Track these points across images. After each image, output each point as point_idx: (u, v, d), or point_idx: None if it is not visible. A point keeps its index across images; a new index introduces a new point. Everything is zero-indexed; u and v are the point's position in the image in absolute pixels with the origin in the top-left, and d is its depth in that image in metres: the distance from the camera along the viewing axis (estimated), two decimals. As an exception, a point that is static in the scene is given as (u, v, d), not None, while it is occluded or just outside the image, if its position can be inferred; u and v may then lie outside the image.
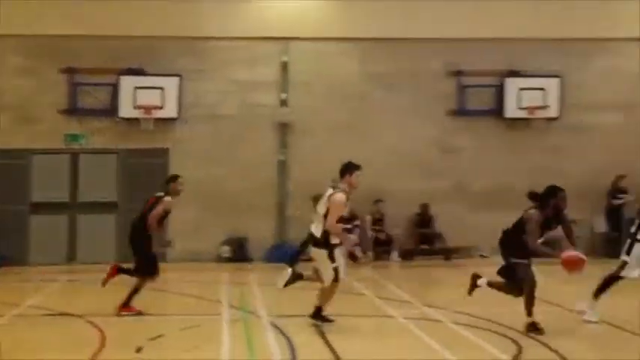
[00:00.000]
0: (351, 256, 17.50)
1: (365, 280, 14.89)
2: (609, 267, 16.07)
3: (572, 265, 9.76)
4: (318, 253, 9.94)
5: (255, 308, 11.65)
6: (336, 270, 9.88)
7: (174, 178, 11.60)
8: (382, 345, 9.33)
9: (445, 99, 18.85)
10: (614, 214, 18.94)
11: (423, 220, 18.49)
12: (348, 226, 17.64)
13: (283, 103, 19.61)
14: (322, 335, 9.43)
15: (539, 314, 9.78)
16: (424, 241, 18.60)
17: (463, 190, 18.50)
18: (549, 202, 9.85)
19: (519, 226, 9.98)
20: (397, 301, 12.42)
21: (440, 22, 18.63)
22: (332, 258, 9.90)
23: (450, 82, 19.00)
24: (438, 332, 9.74)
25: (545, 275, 11.14)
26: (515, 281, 9.89)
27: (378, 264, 17.42)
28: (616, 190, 18.88)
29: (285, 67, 19.97)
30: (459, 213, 18.55)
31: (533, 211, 9.97)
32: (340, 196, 9.66)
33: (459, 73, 18.84)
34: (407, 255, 18.25)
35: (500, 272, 10.27)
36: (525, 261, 9.84)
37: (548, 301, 11.57)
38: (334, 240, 9.83)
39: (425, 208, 18.50)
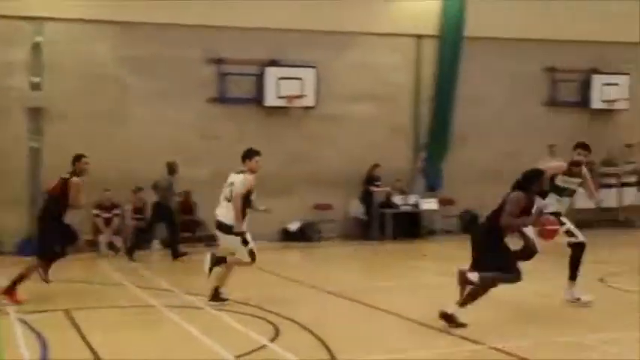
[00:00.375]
0: (111, 246, 17.68)
1: (123, 270, 14.79)
2: (364, 248, 17.84)
3: (549, 234, 9.94)
4: (230, 240, 10.53)
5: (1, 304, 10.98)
6: (251, 251, 10.57)
7: (79, 157, 11.56)
8: (140, 335, 9.40)
9: (205, 86, 18.96)
10: (367, 200, 19.92)
11: (185, 207, 18.35)
12: (108, 215, 17.53)
13: (35, 86, 18.39)
14: (78, 330, 9.23)
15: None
16: (186, 229, 18.29)
17: (223, 176, 18.82)
18: (533, 185, 9.77)
19: (500, 209, 9.71)
20: (157, 290, 12.44)
21: (201, 9, 18.57)
22: (245, 242, 10.51)
23: (210, 70, 19.08)
24: (199, 319, 9.93)
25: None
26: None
27: (138, 253, 16.98)
28: (371, 178, 19.86)
29: (38, 48, 18.59)
30: (219, 199, 18.51)
31: (517, 192, 9.71)
32: (249, 177, 10.48)
33: (219, 61, 18.97)
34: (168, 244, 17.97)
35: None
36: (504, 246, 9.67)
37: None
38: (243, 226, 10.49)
39: (187, 195, 18.40)
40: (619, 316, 9.92)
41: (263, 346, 8.42)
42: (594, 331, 9.18)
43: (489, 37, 20.83)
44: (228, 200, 10.79)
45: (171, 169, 16.86)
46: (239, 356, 7.99)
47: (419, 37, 20.95)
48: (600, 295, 10.96)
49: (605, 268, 13.70)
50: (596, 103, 23.12)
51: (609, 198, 21.25)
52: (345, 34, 20.05)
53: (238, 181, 10.65)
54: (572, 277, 10.62)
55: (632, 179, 22.64)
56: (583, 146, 10.79)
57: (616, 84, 23.05)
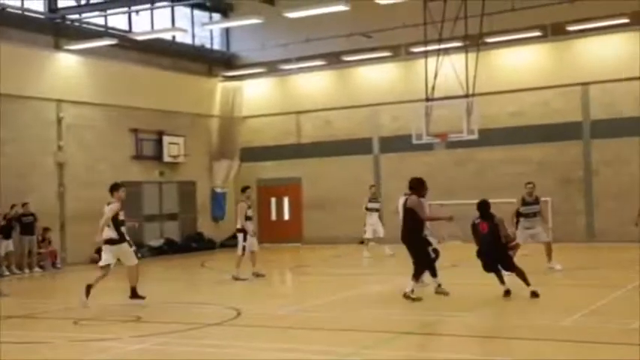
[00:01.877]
0: None
1: None
2: None
3: None
4: (121, 247, 14.67)
5: None
6: (135, 252, 14.93)
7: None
8: None
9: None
10: None
11: None
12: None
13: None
14: None
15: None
16: None
17: None
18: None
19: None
20: None
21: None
22: (130, 244, 14.86)
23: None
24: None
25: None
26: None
27: None
28: None
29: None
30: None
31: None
32: (115, 205, 14.69)
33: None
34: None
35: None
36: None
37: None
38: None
39: None
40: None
41: None
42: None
43: None
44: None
45: None
46: None
47: None
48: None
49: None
50: (166, 158, 28.64)
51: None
52: (11, 96, 22.42)
53: (107, 209, 14.59)
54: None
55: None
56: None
57: (177, 143, 28.62)
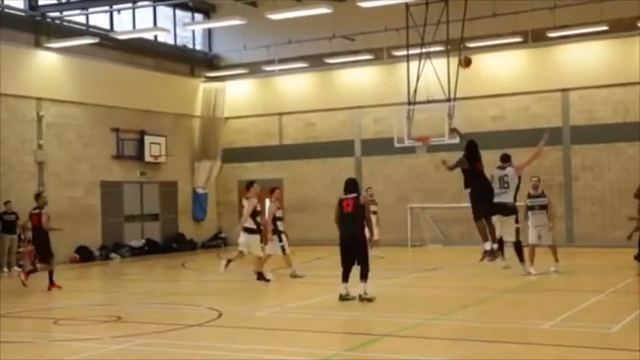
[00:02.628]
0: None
1: None
2: None
3: None
4: (254, 238, 16.99)
5: None
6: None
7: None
8: None
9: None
10: None
11: None
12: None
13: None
14: None
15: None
16: None
17: None
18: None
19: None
20: None
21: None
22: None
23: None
24: None
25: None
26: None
27: None
28: None
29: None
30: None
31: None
32: (253, 200, 17.02)
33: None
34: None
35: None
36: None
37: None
38: None
39: None
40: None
41: None
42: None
43: None
44: None
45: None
46: None
47: None
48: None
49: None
50: (147, 158, 28.52)
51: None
52: None
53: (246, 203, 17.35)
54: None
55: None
56: None
57: (159, 143, 28.53)
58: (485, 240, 14.01)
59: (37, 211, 17.58)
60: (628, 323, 10.47)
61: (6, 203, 21.88)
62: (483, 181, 14.63)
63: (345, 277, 13.59)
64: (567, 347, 9.40)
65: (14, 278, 20.93)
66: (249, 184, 17.98)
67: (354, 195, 13.70)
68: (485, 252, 13.87)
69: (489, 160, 25.82)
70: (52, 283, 17.19)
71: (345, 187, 13.90)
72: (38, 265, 18.53)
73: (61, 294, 16.90)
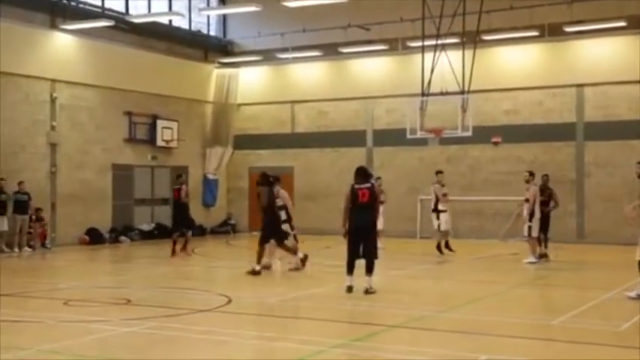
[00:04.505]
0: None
1: None
2: None
3: None
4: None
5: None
6: None
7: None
8: None
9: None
10: None
11: None
12: None
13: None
14: None
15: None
16: None
17: None
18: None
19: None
20: None
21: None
22: None
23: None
24: None
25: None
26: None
27: None
28: None
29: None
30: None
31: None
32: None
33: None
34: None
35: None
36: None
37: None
38: None
39: None
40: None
41: None
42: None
43: None
44: None
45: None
46: None
47: None
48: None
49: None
50: (159, 142, 28.50)
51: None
52: (3, 74, 22.25)
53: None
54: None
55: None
56: None
57: (171, 128, 28.57)
58: None
59: (178, 186, 21.17)
60: (638, 321, 10.39)
61: (19, 184, 22.10)
62: None
63: (350, 270, 13.41)
64: (576, 344, 9.38)
65: (24, 258, 21.30)
66: (276, 178, 18.13)
67: (368, 185, 13.51)
68: None
69: (495, 154, 26.18)
70: (183, 249, 20.57)
71: (357, 175, 13.57)
72: (175, 235, 20.84)
73: (70, 275, 17.04)
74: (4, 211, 21.98)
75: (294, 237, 17.68)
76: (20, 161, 23.40)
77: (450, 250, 19.99)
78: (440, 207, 20.27)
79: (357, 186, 13.39)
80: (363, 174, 13.59)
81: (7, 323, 11.04)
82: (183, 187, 20.89)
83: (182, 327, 10.59)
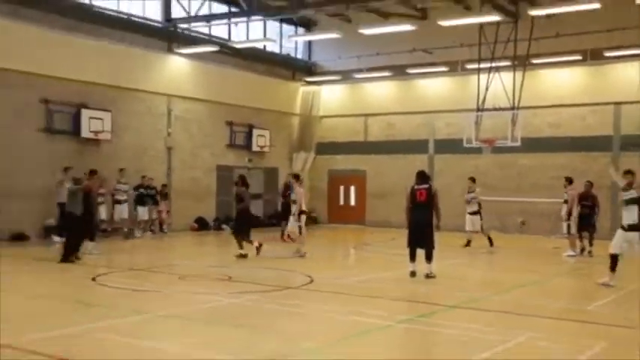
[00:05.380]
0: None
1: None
2: None
3: None
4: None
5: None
6: None
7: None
8: None
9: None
10: None
11: None
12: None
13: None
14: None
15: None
16: None
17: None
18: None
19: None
20: None
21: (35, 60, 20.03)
22: None
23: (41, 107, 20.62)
24: None
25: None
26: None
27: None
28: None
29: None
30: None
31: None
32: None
33: (46, 102, 20.78)
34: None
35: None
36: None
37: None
38: None
39: None
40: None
41: None
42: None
43: None
44: None
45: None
46: None
47: None
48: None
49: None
50: (254, 147, 28.46)
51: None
52: (131, 90, 22.74)
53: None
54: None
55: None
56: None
57: (264, 135, 28.77)
58: None
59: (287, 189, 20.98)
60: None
61: (143, 177, 22.72)
62: None
63: (412, 257, 13.42)
64: (606, 326, 9.35)
65: (147, 239, 21.92)
66: (296, 175, 18.53)
67: (426, 186, 13.32)
68: None
69: (541, 162, 25.81)
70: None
71: (417, 177, 13.51)
72: (283, 224, 20.71)
73: (183, 255, 17.45)
74: (144, 202, 22.61)
75: (299, 229, 17.46)
76: (144, 162, 23.91)
77: (468, 245, 19.60)
78: (467, 209, 19.79)
79: (416, 187, 13.33)
80: (422, 176, 13.49)
81: (132, 292, 11.79)
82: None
83: (276, 300, 10.82)
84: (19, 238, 20.01)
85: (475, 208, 19.68)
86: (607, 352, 7.90)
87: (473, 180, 20.36)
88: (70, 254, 15.25)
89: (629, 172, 12.94)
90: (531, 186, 25.60)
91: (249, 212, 17.73)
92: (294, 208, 17.52)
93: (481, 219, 19.70)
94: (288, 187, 21.54)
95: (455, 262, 16.83)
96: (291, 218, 17.78)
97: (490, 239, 19.64)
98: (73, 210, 15.83)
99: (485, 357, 7.50)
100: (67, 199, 16.45)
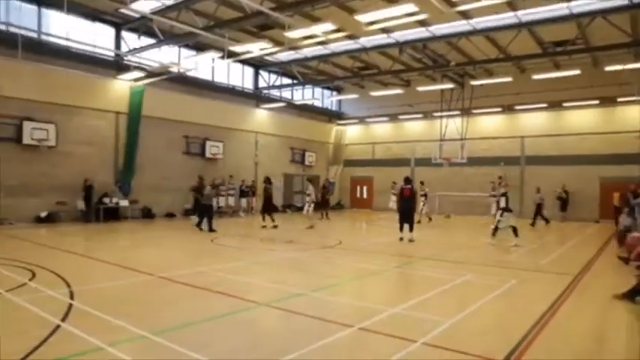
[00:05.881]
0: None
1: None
2: (86, 226, 15.09)
3: None
4: None
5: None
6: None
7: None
8: None
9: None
10: (87, 199, 17.30)
11: None
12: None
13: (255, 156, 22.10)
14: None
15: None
16: None
17: None
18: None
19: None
20: None
21: None
22: None
23: None
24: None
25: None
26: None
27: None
28: (88, 187, 17.19)
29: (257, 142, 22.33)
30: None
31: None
32: None
33: None
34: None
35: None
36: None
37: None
38: None
39: None
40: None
41: (24, 284, 7.04)
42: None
43: (155, 117, 19.66)
44: None
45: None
46: (8, 290, 6.62)
47: (117, 113, 18.71)
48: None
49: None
50: (306, 162, 27.96)
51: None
52: (73, 106, 17.27)
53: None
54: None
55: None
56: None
57: (312, 155, 28.74)
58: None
59: (325, 186, 20.78)
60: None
61: (243, 181, 22.50)
62: None
63: (401, 229, 13.02)
64: (519, 270, 8.91)
65: (244, 218, 20.66)
66: (310, 179, 17.93)
67: (409, 186, 12.75)
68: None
69: (477, 172, 25.50)
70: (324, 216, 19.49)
71: (404, 181, 12.93)
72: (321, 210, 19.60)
73: (266, 230, 15.89)
74: (244, 195, 22.07)
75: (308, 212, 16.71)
76: (241, 173, 23.69)
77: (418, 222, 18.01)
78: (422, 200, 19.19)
79: (403, 186, 12.85)
80: (407, 180, 12.96)
81: (234, 248, 11.36)
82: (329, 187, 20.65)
83: (318, 254, 10.54)
84: (170, 215, 20.09)
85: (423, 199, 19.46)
86: (518, 285, 7.68)
87: (422, 182, 20.55)
88: (200, 225, 15.10)
89: (500, 178, 13.61)
90: (472, 185, 25.33)
91: (271, 199, 16.71)
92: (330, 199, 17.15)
93: (423, 206, 19.37)
94: (325, 187, 21.91)
95: (429, 232, 15.92)
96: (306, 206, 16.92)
97: (430, 218, 19.65)
98: (202, 200, 15.51)
99: (443, 289, 7.25)
100: (199, 194, 16.44)
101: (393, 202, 21.84)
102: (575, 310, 6.46)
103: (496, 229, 12.13)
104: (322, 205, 21.30)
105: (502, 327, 5.65)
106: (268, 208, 16.43)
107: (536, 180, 23.36)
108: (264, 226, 15.91)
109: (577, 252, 11.59)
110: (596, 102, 22.01)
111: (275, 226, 15.90)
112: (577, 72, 18.75)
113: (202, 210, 15.23)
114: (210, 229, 14.53)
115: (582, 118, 22.90)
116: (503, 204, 11.99)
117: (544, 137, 23.87)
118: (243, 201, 22.35)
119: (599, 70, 20.91)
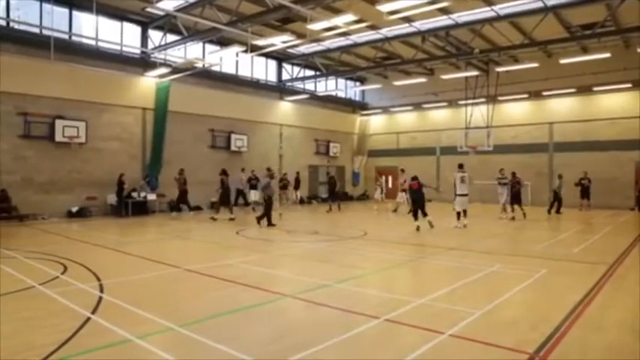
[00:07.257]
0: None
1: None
2: (117, 221, 14.96)
3: None
4: None
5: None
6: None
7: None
8: None
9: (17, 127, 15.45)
10: (119, 194, 17.31)
11: (2, 198, 14.99)
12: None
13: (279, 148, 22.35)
14: None
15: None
16: (4, 211, 14.85)
17: (30, 181, 15.89)
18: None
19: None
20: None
21: (15, 82, 15.11)
22: None
23: (19, 119, 15.31)
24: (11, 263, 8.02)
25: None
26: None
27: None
28: (120, 182, 17.17)
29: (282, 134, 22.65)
30: (27, 194, 15.71)
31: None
32: None
33: (25, 114, 15.45)
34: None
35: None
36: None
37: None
38: None
39: (4, 192, 15.01)
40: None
41: (56, 277, 7.07)
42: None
43: (181, 112, 19.87)
44: None
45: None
46: (41, 283, 6.64)
47: (144, 109, 18.86)
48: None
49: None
50: (331, 153, 27.99)
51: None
52: (102, 104, 17.50)
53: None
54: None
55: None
56: None
57: (337, 146, 29.29)
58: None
59: (333, 179, 20.55)
60: None
61: (252, 171, 20.90)
62: None
63: (415, 217, 13.54)
64: (549, 259, 8.78)
65: (259, 211, 19.85)
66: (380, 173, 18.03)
67: (416, 181, 13.67)
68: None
69: (508, 159, 25.11)
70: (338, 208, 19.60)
71: (411, 178, 13.89)
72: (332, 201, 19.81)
73: (289, 219, 16.22)
74: (254, 187, 20.39)
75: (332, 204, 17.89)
76: (266, 164, 22.46)
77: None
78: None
79: (411, 182, 13.76)
80: (414, 177, 13.83)
81: (259, 240, 11.35)
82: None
83: (343, 245, 10.59)
84: (197, 208, 20.09)
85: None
86: (549, 275, 7.57)
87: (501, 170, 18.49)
88: (232, 218, 15.13)
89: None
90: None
91: (228, 191, 16.04)
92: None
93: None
94: (331, 178, 21.39)
95: (445, 219, 15.40)
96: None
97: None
98: (265, 193, 14.71)
99: (471, 279, 7.15)
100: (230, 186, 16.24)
101: (378, 194, 22.68)
102: (610, 301, 6.27)
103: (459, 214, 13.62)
104: (330, 197, 21.12)
105: (533, 318, 5.50)
106: (225, 200, 15.99)
107: (566, 167, 22.87)
108: (213, 218, 15.38)
109: (611, 241, 11.27)
110: (629, 85, 21.38)
111: (232, 219, 15.37)
112: (607, 55, 18.23)
113: (267, 204, 14.39)
114: (269, 224, 13.99)
115: (613, 102, 22.30)
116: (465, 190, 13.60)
117: (573, 123, 23.36)
118: (253, 193, 21.30)
119: (630, 52, 20.35)
